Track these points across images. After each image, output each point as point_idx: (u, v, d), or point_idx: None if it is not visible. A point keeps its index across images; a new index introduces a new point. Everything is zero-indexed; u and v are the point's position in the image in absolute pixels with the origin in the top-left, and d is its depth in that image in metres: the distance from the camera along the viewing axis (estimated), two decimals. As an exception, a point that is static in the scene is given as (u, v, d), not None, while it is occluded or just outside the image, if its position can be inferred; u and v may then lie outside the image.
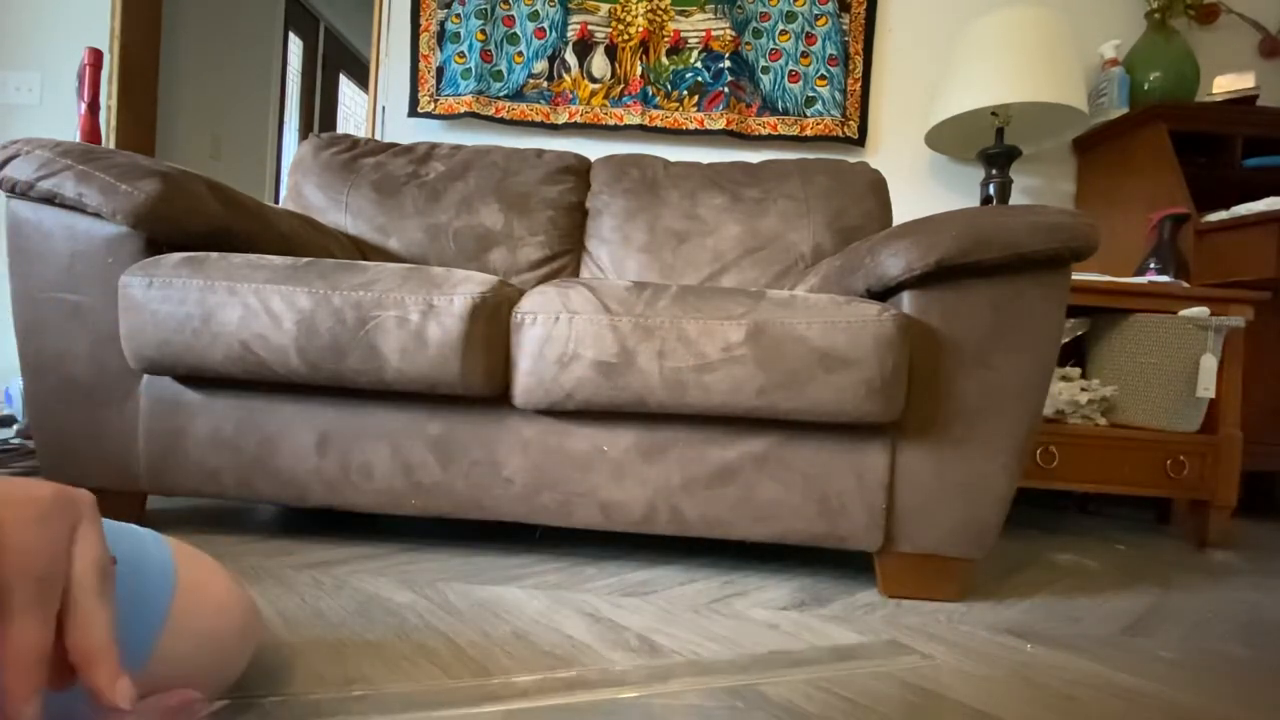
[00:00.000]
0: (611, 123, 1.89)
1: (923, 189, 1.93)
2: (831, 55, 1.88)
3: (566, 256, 1.45)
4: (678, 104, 1.89)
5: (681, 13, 1.88)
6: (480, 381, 0.83)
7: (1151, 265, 1.46)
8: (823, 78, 1.88)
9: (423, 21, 1.90)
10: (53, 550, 0.28)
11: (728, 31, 1.87)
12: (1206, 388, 1.28)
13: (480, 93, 1.88)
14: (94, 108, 1.60)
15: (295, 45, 3.48)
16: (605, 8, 1.89)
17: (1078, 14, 1.88)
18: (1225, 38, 1.89)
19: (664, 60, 1.89)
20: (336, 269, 0.86)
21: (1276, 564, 1.22)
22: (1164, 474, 1.31)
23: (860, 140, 1.89)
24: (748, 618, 0.78)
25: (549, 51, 1.89)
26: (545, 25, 1.89)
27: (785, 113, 1.89)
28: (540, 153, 1.51)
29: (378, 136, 1.94)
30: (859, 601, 0.86)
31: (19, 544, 0.27)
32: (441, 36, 1.90)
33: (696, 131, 1.88)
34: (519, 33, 1.90)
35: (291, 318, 0.82)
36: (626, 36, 1.88)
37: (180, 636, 0.41)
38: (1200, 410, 1.33)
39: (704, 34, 1.88)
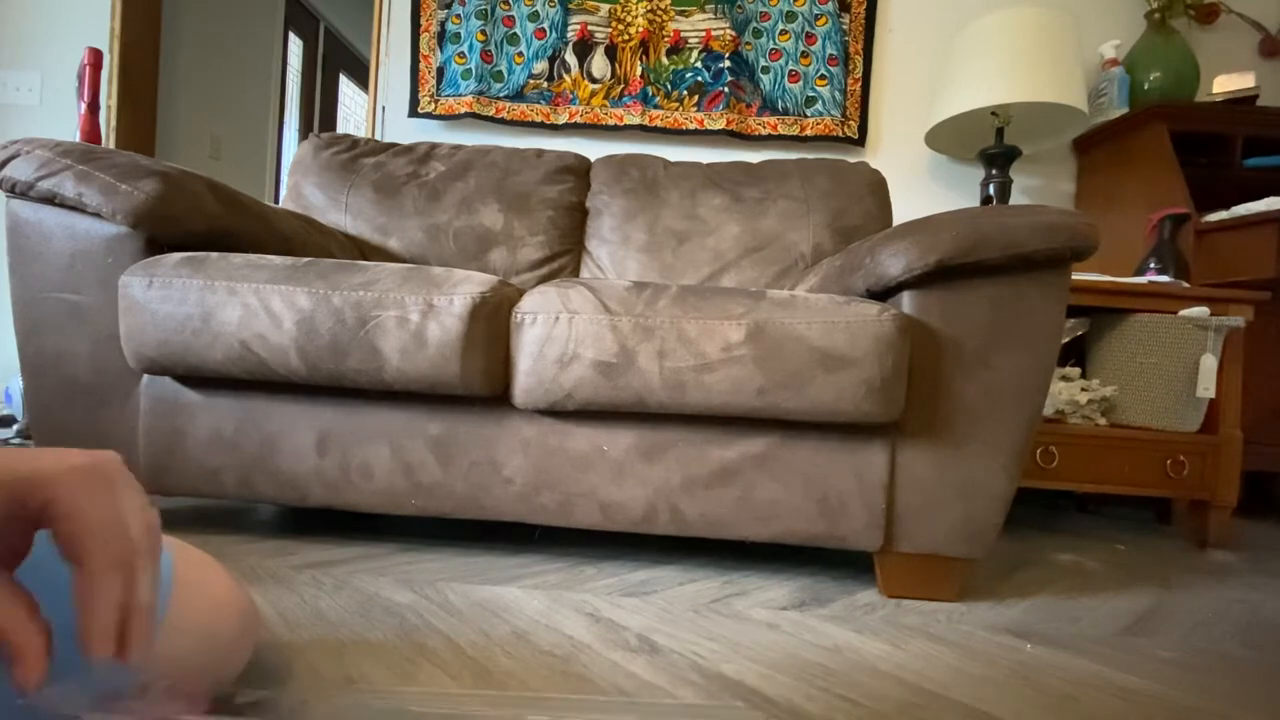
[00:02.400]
0: (611, 123, 1.89)
1: (923, 189, 1.93)
2: (831, 55, 1.88)
3: (566, 256, 1.45)
4: (678, 104, 1.88)
5: (681, 13, 1.88)
6: (480, 381, 0.83)
7: (1151, 265, 1.45)
8: (823, 78, 1.88)
9: (423, 22, 1.90)
10: (110, 512, 0.29)
11: (728, 31, 1.87)
12: (1206, 388, 1.28)
13: (480, 93, 1.88)
14: (94, 108, 1.61)
15: (295, 45, 3.47)
16: (605, 8, 1.89)
17: (1078, 14, 1.87)
18: (1225, 38, 1.89)
19: (664, 60, 1.89)
20: (336, 269, 0.86)
21: (1276, 564, 1.22)
22: (1164, 474, 1.31)
23: (860, 140, 1.89)
24: (748, 618, 0.78)
25: (549, 52, 1.89)
26: (545, 25, 1.89)
27: (785, 113, 1.89)
28: (540, 153, 1.51)
29: (378, 136, 1.94)
30: (859, 601, 0.86)
31: (78, 510, 0.28)
32: (442, 37, 1.90)
33: (696, 131, 1.88)
34: (519, 33, 1.90)
35: (291, 318, 0.82)
36: (626, 36, 1.88)
37: (178, 635, 0.41)
38: (1200, 410, 1.33)
39: (704, 34, 1.88)
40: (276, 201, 2.99)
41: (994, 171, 1.65)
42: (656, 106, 1.88)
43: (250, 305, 0.83)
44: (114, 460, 0.32)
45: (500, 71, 1.89)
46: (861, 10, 1.88)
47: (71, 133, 1.89)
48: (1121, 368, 1.37)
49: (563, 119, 1.89)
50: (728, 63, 1.87)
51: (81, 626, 0.27)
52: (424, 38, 1.90)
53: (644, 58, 1.88)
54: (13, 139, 0.88)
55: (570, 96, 1.89)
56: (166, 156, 2.49)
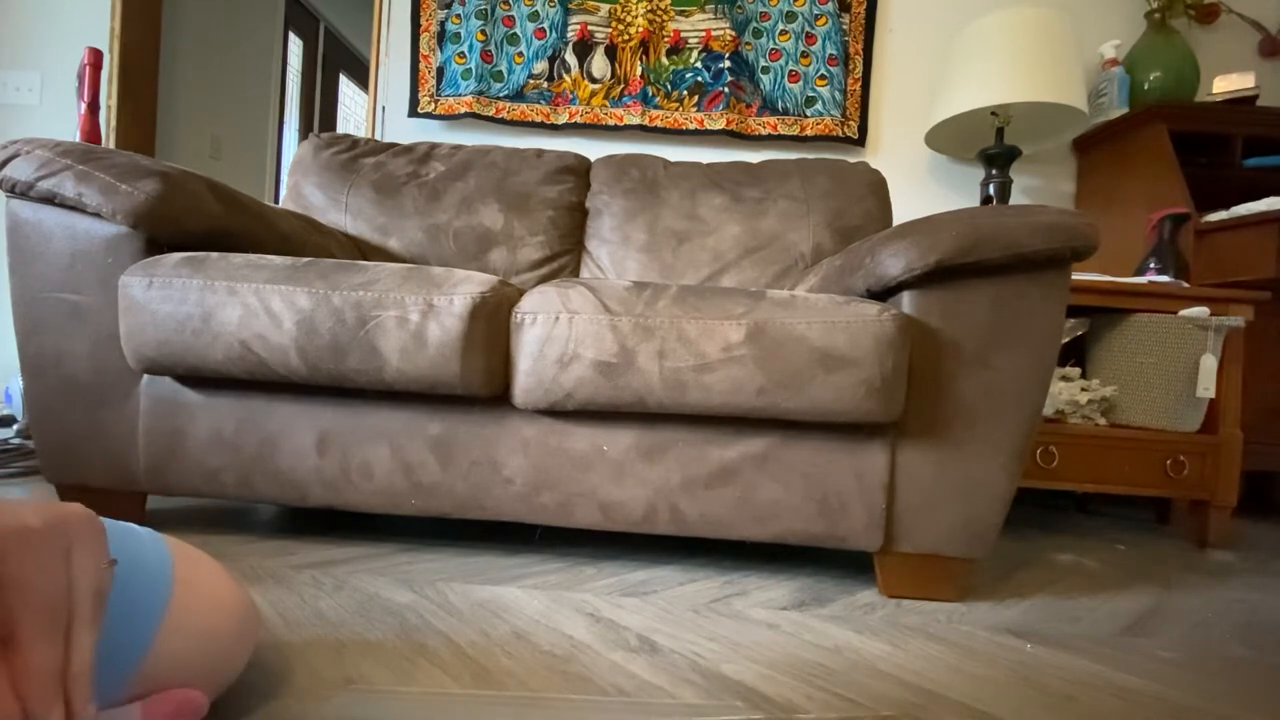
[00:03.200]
0: (611, 123, 1.89)
1: (923, 189, 1.93)
2: (831, 55, 1.88)
3: (566, 256, 1.45)
4: (678, 104, 1.88)
5: (681, 13, 1.88)
6: (480, 381, 0.83)
7: (1151, 265, 1.45)
8: (823, 78, 1.88)
9: (423, 21, 1.90)
10: (52, 580, 0.29)
11: (728, 31, 1.87)
12: (1206, 388, 1.28)
13: (480, 93, 1.88)
14: (94, 108, 1.61)
15: (295, 45, 3.48)
16: (605, 8, 1.89)
17: (1078, 14, 1.88)
18: (1225, 38, 1.89)
19: (664, 60, 1.89)
20: (336, 269, 0.86)
21: (1276, 564, 1.22)
22: (1164, 474, 1.31)
23: (860, 140, 1.89)
24: (748, 618, 0.78)
25: (549, 52, 1.89)
26: (545, 25, 1.89)
27: (785, 113, 1.89)
28: (540, 153, 1.51)
29: (378, 136, 1.94)
30: (859, 601, 0.86)
31: (18, 578, 0.27)
32: (442, 37, 1.90)
33: (696, 131, 1.88)
34: (519, 33, 1.90)
35: (291, 318, 0.82)
36: (626, 37, 1.88)
37: (178, 635, 0.41)
38: (1200, 410, 1.33)
39: (704, 34, 1.88)
40: (276, 201, 2.99)
41: (994, 171, 1.65)
42: (656, 106, 1.88)
43: (250, 305, 0.83)
44: (74, 518, 0.31)
45: (500, 71, 1.89)
46: (861, 10, 1.88)
47: (71, 133, 1.90)
48: (1121, 368, 1.37)
49: (563, 119, 1.89)
50: (728, 63, 1.87)
51: (20, 699, 0.27)
52: (424, 38, 1.90)
53: (644, 58, 1.88)
54: (13, 139, 0.88)
55: (570, 96, 1.89)
56: (166, 156, 2.49)
